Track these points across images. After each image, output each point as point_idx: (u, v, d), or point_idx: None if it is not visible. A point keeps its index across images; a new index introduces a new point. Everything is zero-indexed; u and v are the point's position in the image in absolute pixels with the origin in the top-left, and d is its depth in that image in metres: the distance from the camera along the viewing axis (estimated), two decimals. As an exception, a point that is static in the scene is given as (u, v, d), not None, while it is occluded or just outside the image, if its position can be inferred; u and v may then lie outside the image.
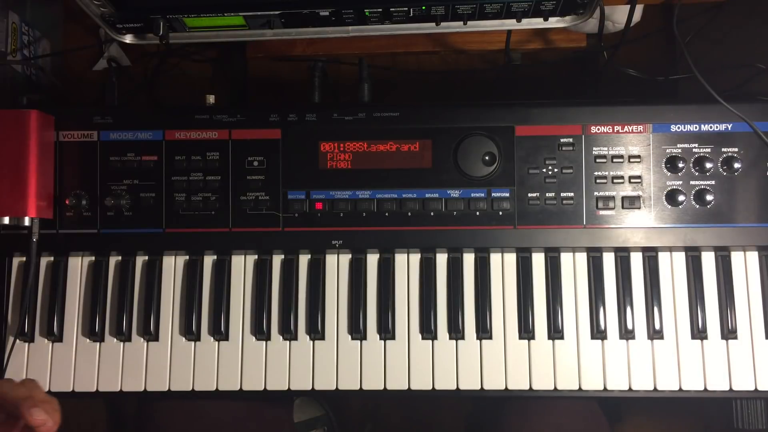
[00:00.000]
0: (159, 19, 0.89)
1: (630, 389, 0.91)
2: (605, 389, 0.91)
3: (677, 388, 0.91)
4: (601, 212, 0.93)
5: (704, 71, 0.93)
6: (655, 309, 0.92)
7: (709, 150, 0.92)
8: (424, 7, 0.87)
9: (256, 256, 0.96)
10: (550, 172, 0.93)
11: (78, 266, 0.97)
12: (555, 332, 0.92)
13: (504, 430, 1.02)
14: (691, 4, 1.07)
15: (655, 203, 0.92)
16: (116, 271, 0.96)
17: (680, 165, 0.92)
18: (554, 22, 0.92)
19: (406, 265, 0.95)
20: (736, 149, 0.92)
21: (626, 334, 0.92)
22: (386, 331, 0.93)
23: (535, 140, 0.93)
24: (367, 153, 0.94)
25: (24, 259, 0.96)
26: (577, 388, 0.91)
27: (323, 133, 0.94)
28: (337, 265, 0.96)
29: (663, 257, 0.94)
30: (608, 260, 0.94)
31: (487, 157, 0.93)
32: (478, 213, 0.93)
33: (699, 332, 0.91)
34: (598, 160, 0.93)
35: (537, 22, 0.92)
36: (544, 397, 0.92)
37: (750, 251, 0.93)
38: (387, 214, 0.93)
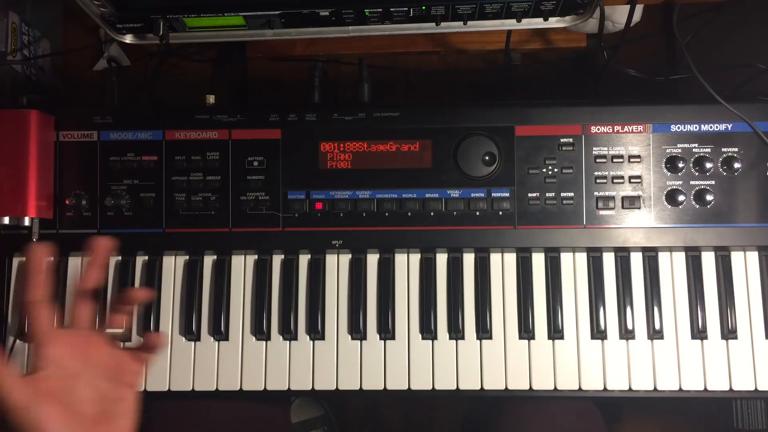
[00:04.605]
0: (159, 19, 0.89)
1: (630, 389, 0.91)
2: (605, 389, 0.91)
3: (677, 388, 0.91)
4: (601, 212, 0.93)
5: (704, 71, 0.93)
6: (655, 309, 0.92)
7: (709, 150, 0.92)
8: (424, 7, 0.87)
9: (256, 256, 0.96)
10: (550, 172, 0.93)
11: (78, 266, 0.97)
12: (555, 332, 0.92)
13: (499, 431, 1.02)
14: (691, 4, 1.07)
15: (655, 203, 0.92)
16: (116, 271, 0.96)
17: (680, 165, 0.92)
18: (554, 22, 0.92)
19: (406, 265, 0.95)
20: (736, 149, 0.92)
21: (626, 334, 0.92)
22: (386, 331, 0.93)
23: (535, 140, 0.93)
24: (367, 153, 0.94)
25: (24, 259, 0.96)
26: (577, 388, 0.91)
27: (323, 133, 0.94)
28: (337, 265, 0.96)
29: (663, 257, 0.94)
30: (608, 260, 0.94)
31: (487, 157, 0.93)
32: (478, 213, 0.93)
33: (699, 332, 0.91)
34: (598, 160, 0.93)
35: (537, 22, 0.92)
36: (540, 397, 0.92)
37: (750, 251, 0.93)
38: (387, 214, 0.93)
